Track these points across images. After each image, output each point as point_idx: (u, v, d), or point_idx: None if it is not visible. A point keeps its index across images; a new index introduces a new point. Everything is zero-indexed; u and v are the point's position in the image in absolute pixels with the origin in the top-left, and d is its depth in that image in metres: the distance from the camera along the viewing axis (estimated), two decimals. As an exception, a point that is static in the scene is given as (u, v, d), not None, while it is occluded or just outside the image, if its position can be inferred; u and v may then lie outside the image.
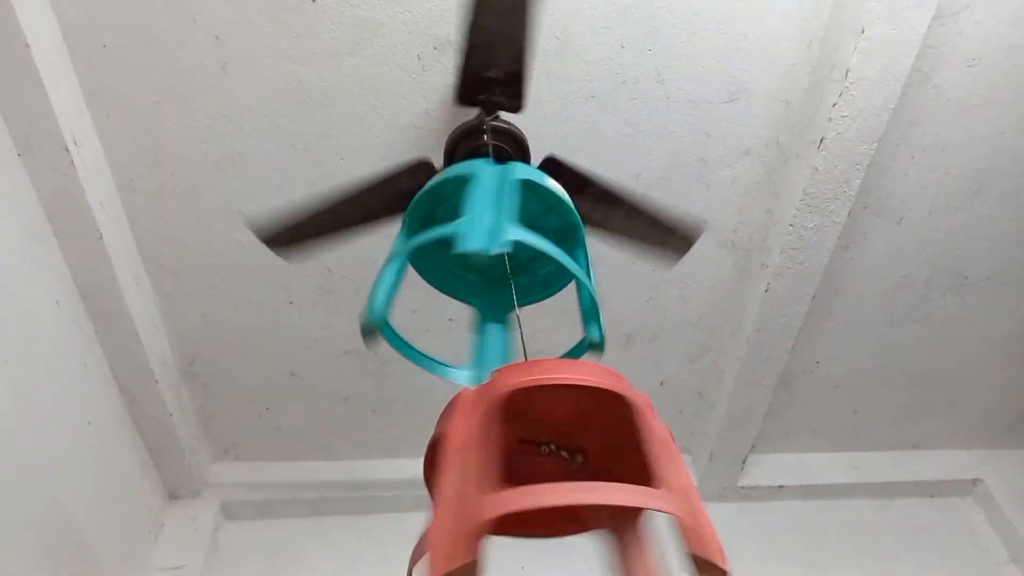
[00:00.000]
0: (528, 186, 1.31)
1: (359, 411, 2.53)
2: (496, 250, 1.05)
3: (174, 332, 2.24)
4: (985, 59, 1.93)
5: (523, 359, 1.28)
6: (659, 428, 0.98)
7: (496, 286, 1.49)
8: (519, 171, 1.29)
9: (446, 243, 1.49)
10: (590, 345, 1.29)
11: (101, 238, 1.86)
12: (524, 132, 1.61)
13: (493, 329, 1.41)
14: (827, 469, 2.89)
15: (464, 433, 0.91)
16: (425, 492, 2.87)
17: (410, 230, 1.32)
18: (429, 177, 1.52)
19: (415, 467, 2.79)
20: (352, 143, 1.91)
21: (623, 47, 1.82)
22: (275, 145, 1.90)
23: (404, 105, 1.85)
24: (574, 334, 1.31)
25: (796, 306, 2.25)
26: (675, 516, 0.81)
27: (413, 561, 0.89)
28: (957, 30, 1.87)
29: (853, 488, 2.87)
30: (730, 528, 2.76)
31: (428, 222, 1.33)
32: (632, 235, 1.71)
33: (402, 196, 1.48)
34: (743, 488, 2.80)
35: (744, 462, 2.74)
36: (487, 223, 1.11)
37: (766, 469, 2.85)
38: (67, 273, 1.89)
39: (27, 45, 1.54)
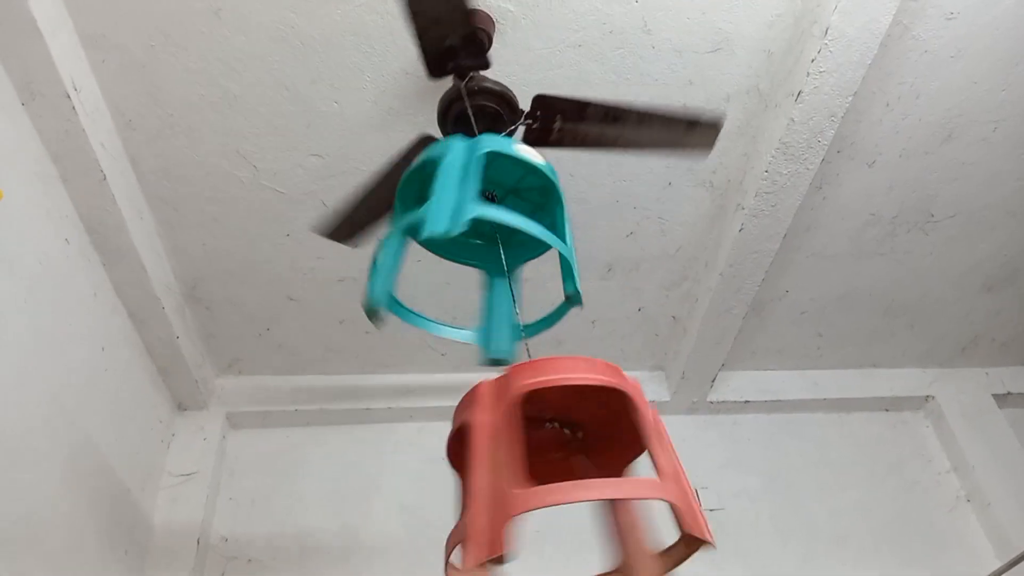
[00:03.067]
0: (500, 155, 1.38)
1: (354, 332, 2.68)
2: (456, 231, 1.15)
3: (177, 261, 2.35)
4: (964, 12, 1.97)
5: (519, 322, 1.42)
6: (649, 414, 1.14)
7: (498, 247, 1.60)
8: (484, 144, 1.35)
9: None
10: (568, 298, 1.41)
11: (104, 178, 1.94)
12: (505, 83, 1.66)
13: (500, 288, 1.53)
14: (790, 386, 3.11)
15: (490, 426, 1.04)
16: (416, 403, 3.10)
17: (404, 210, 1.42)
18: None
19: (406, 381, 2.99)
20: (344, 87, 1.96)
21: (611, -2, 1.85)
22: (269, 87, 1.95)
23: (394, 51, 1.89)
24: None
25: (768, 244, 2.37)
26: (673, 503, 0.98)
27: (451, 546, 1.02)
28: (939, -16, 1.91)
29: (813, 403, 3.10)
30: (699, 439, 3.00)
31: (420, 200, 1.42)
32: (650, 143, 1.71)
33: None
34: (712, 403, 3.02)
35: (714, 380, 2.94)
36: (449, 205, 1.21)
37: (734, 386, 3.06)
38: (74, 211, 1.98)
39: (24, -3, 1.57)
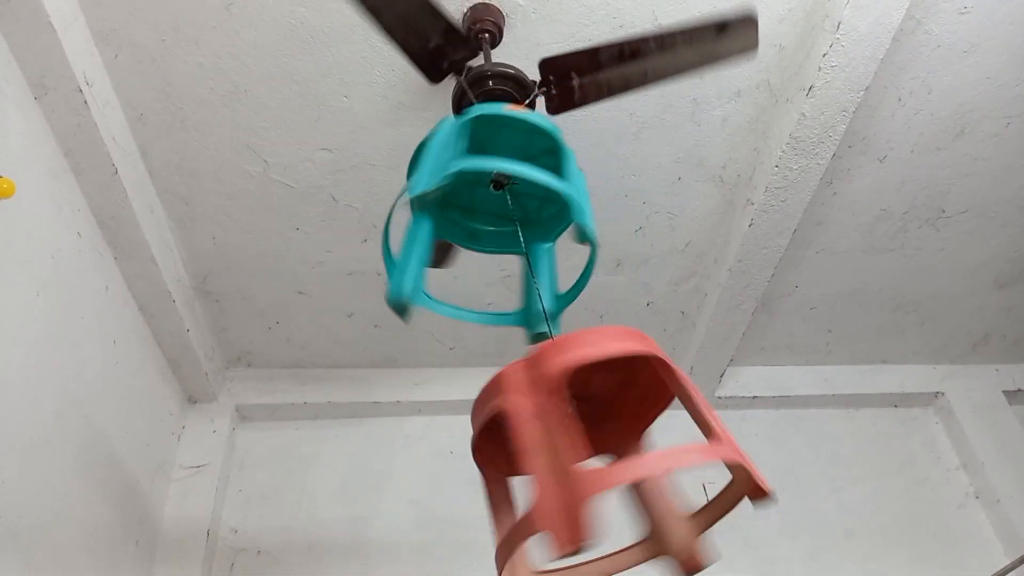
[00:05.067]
0: (494, 121, 1.37)
1: (363, 325, 2.69)
2: (436, 184, 1.15)
3: (188, 254, 2.36)
4: (978, 7, 1.96)
5: (557, 293, 1.42)
6: (687, 378, 1.14)
7: (529, 229, 1.59)
8: (471, 112, 1.35)
9: (468, 208, 1.60)
10: (582, 240, 1.36)
11: (116, 172, 1.95)
12: (505, 62, 1.62)
13: (535, 265, 1.52)
14: (799, 381, 3.10)
15: (534, 408, 1.01)
16: (425, 397, 3.08)
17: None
18: None
19: (415, 374, 2.99)
20: (354, 81, 1.96)
21: (621, -8, 1.84)
22: (279, 82, 1.95)
23: (405, 46, 1.89)
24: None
25: (778, 239, 2.36)
26: (740, 462, 0.99)
27: (513, 544, 0.99)
28: (953, -22, 1.89)
29: (822, 399, 3.09)
30: (705, 434, 2.99)
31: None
32: (682, 66, 1.58)
33: None
34: (720, 398, 3.01)
35: (722, 375, 2.94)
36: (433, 168, 1.21)
37: (742, 381, 3.06)
38: (85, 205, 1.99)
39: (37, -8, 1.58)
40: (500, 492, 1.24)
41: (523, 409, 1.02)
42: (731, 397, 3.03)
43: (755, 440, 3.01)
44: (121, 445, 2.19)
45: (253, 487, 2.63)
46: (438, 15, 1.51)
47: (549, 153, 1.52)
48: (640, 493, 1.20)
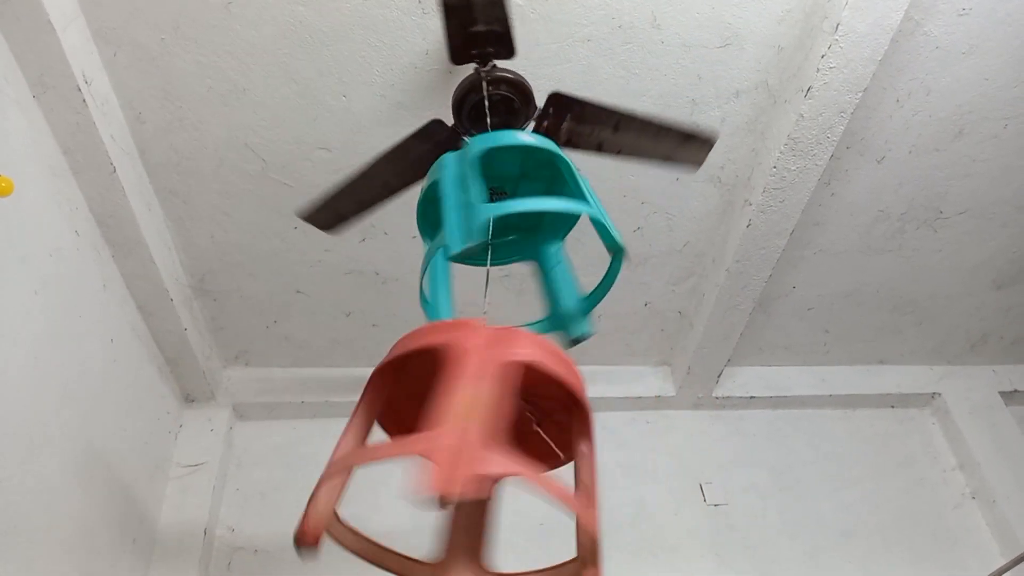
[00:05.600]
0: (493, 152, 1.38)
1: (361, 325, 2.69)
2: (475, 240, 1.16)
3: (186, 253, 2.36)
4: (977, 8, 1.96)
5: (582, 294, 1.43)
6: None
7: (534, 235, 1.59)
8: (473, 148, 1.35)
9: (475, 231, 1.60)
10: (615, 252, 1.40)
11: (115, 170, 1.94)
12: (522, 74, 1.67)
13: (551, 271, 1.53)
14: (796, 382, 3.10)
15: (480, 363, 0.98)
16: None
17: (431, 236, 1.44)
18: (444, 135, 1.62)
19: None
20: (353, 81, 1.96)
21: (620, -7, 1.85)
22: (278, 81, 1.95)
23: (404, 46, 1.89)
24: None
25: (776, 240, 2.37)
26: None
27: (389, 454, 0.93)
28: (951, -20, 1.90)
29: (820, 399, 3.10)
30: (704, 435, 3.00)
31: (438, 224, 1.43)
32: (645, 153, 1.74)
33: (419, 161, 1.58)
34: (717, 398, 3.02)
35: (720, 375, 2.94)
36: (461, 218, 1.21)
37: (740, 381, 3.06)
38: (84, 204, 1.99)
39: (37, -9, 1.58)
40: (361, 423, 1.19)
41: (472, 363, 0.99)
42: (728, 397, 3.04)
43: (753, 440, 3.01)
44: (119, 443, 2.19)
45: (251, 486, 2.63)
46: (500, 5, 1.50)
47: (546, 164, 1.53)
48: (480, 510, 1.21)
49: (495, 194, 1.56)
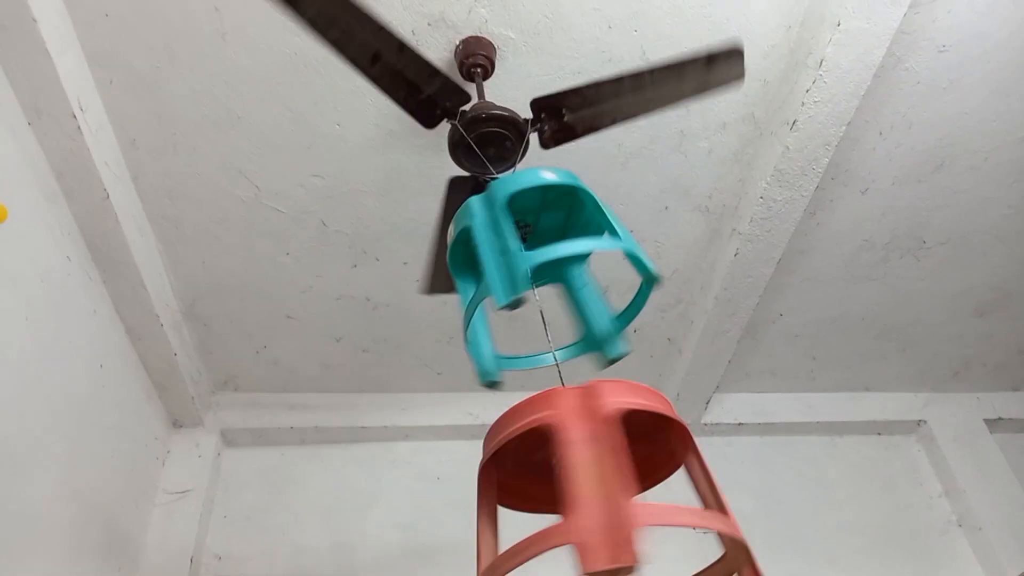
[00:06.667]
0: (517, 195, 1.41)
1: (351, 350, 2.69)
2: (523, 291, 1.20)
3: (177, 278, 2.36)
4: (957, 45, 2.02)
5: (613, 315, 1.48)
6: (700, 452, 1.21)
7: (557, 261, 1.60)
8: (498, 193, 1.37)
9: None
10: (650, 281, 1.41)
11: (107, 196, 1.95)
12: (496, 104, 1.67)
13: (579, 293, 1.54)
14: (783, 408, 3.12)
15: (585, 431, 1.04)
16: (412, 422, 3.07)
17: (461, 277, 1.49)
18: (470, 184, 1.71)
19: (402, 401, 2.98)
20: (347, 109, 1.99)
21: (610, 27, 1.88)
22: (272, 108, 1.97)
23: (398, 75, 1.92)
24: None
25: (762, 268, 2.40)
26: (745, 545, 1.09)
27: (540, 549, 0.97)
28: (931, 17, 1.95)
29: (806, 426, 3.12)
30: (691, 460, 3.00)
31: (469, 262, 1.47)
32: (674, 96, 1.63)
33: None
34: (706, 425, 3.03)
35: (708, 401, 2.96)
36: (503, 270, 1.25)
37: (728, 407, 3.08)
38: (76, 228, 2.00)
39: (34, 20, 1.60)
40: (489, 519, 1.24)
41: (577, 428, 1.04)
42: (716, 424, 3.05)
43: (740, 466, 3.02)
44: (106, 468, 2.17)
45: (238, 512, 2.61)
46: (427, 67, 1.53)
47: (567, 195, 1.54)
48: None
49: (519, 227, 1.56)
